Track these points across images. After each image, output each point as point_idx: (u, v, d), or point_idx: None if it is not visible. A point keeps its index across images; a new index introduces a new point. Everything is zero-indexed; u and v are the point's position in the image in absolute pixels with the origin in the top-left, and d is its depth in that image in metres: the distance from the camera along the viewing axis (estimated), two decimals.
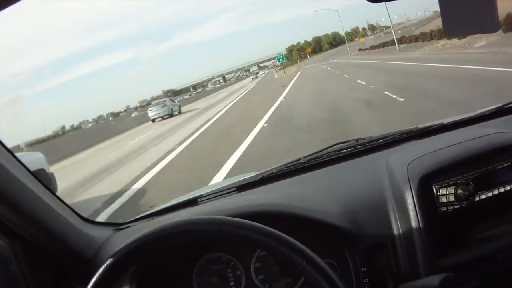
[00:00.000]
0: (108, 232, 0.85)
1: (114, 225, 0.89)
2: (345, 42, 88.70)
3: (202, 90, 53.40)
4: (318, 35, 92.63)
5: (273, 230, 0.47)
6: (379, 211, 0.72)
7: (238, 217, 0.51)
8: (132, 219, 0.92)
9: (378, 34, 58.29)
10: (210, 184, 1.44)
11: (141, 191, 3.94)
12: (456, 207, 0.69)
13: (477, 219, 0.72)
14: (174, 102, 18.68)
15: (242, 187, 0.93)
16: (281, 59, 35.35)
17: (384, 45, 27.18)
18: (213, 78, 70.47)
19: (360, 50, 38.75)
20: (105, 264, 0.50)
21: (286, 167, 0.95)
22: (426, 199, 0.69)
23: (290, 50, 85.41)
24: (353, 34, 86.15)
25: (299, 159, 0.96)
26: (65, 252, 0.71)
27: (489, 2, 0.44)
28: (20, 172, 0.63)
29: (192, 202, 0.92)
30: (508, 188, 0.70)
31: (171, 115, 16.11)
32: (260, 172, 0.97)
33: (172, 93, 49.12)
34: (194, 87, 58.55)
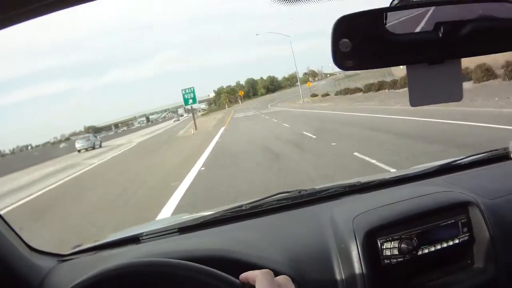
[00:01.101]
0: (52, 263, 0.93)
1: (58, 255, 0.99)
2: (282, 87, 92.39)
3: (126, 128, 57.99)
4: (252, 77, 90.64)
5: (218, 272, 0.51)
6: (323, 261, 0.81)
7: (184, 259, 0.57)
8: (75, 250, 1.02)
9: (322, 81, 61.53)
10: (152, 221, 1.63)
11: None
12: (399, 260, 0.81)
13: (419, 271, 0.84)
14: (97, 137, 26.23)
15: (183, 229, 1.02)
16: (190, 101, 20.47)
17: (347, 92, 26.13)
18: (135, 118, 71.63)
19: (314, 95, 34.14)
20: None
21: (228, 212, 1.05)
22: (370, 252, 0.80)
23: (219, 92, 79.60)
24: (291, 80, 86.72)
25: (241, 206, 1.06)
26: (10, 281, 0.77)
27: (454, 74, 0.52)
28: None
29: (135, 239, 1.03)
30: (450, 243, 0.83)
31: (93, 148, 23.19)
32: (202, 214, 1.08)
33: (93, 130, 50.70)
34: (117, 125, 61.46)
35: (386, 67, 0.55)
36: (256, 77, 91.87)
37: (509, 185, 0.98)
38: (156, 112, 79.63)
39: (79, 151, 22.71)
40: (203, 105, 77.32)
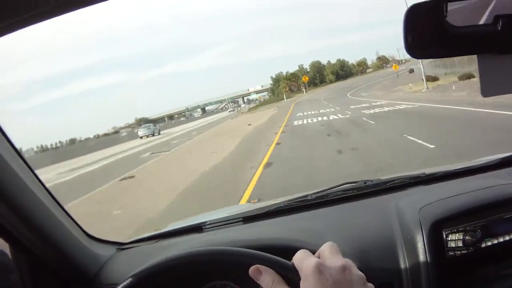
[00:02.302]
0: (111, 251, 1.03)
1: (117, 244, 1.07)
2: (353, 74, 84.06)
3: (184, 118, 63.83)
4: (319, 60, 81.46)
5: (263, 253, 0.54)
6: (388, 252, 0.88)
7: (248, 248, 0.60)
8: (135, 239, 1.11)
9: (401, 65, 57.43)
10: (216, 210, 1.53)
11: None
12: (463, 252, 0.87)
13: (482, 264, 0.90)
14: (156, 126, 34.86)
15: (248, 218, 1.11)
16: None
17: (464, 76, 17.98)
18: (187, 109, 75.24)
19: (433, 79, 22.25)
20: (120, 286, 0.57)
21: (293, 202, 1.14)
22: (435, 243, 0.86)
23: (277, 80, 72.50)
24: (363, 65, 79.05)
25: (306, 196, 1.15)
26: (68, 267, 0.87)
27: None
28: (33, 183, 0.78)
29: (197, 228, 1.11)
30: None
31: (153, 135, 30.45)
32: (266, 204, 1.19)
33: (145, 121, 54.57)
34: (171, 116, 66.17)
35: (455, 56, 0.59)
36: (323, 61, 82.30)
37: None
38: (211, 103, 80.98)
39: (141, 137, 29.65)
40: (263, 94, 74.34)
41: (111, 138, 41.09)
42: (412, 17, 0.54)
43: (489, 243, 0.89)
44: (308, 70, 77.06)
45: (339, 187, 1.19)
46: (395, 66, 38.67)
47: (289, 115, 20.45)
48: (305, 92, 62.28)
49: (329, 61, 79.65)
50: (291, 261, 0.50)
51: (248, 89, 79.99)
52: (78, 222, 0.95)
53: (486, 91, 0.57)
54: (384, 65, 78.04)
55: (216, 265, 0.62)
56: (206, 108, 78.37)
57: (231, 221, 1.12)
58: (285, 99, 55.93)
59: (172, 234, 1.12)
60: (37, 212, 0.79)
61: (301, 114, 19.47)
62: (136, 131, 35.50)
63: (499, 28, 0.52)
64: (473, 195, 0.97)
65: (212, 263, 0.60)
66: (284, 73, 72.98)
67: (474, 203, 0.93)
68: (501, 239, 0.90)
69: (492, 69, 0.56)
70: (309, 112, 19.35)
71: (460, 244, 0.88)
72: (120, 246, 1.07)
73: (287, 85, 68.39)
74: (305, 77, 64.54)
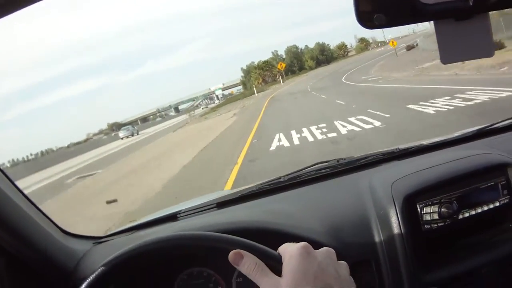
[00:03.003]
0: (88, 245, 1.07)
1: (93, 238, 1.13)
2: (334, 58, 79.65)
3: (160, 119, 67.79)
4: (295, 45, 73.32)
5: (249, 241, 0.57)
6: (363, 229, 0.93)
7: (219, 232, 0.64)
8: (111, 232, 1.17)
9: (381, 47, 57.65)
10: (190, 199, 1.61)
11: None
12: (439, 224, 0.91)
13: (460, 236, 0.95)
14: (134, 128, 40.58)
15: (221, 204, 1.17)
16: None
17: None
18: (158, 111, 76.71)
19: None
20: (92, 276, 0.61)
21: (266, 185, 1.20)
22: (410, 217, 0.90)
23: (248, 71, 63.49)
24: (344, 49, 72.62)
25: (279, 178, 1.21)
26: (46, 265, 0.91)
27: (484, 29, 0.58)
28: (3, 183, 0.82)
29: (172, 217, 1.18)
30: (490, 206, 0.93)
31: (132, 135, 35.99)
32: (239, 189, 1.25)
33: (117, 126, 58.90)
34: (144, 119, 68.63)
35: (412, 23, 0.60)
36: (301, 45, 77.97)
37: None
38: (183, 102, 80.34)
39: (122, 138, 35.38)
40: (236, 89, 67.39)
41: (92, 142, 46.91)
42: None
43: (466, 214, 0.93)
44: (284, 57, 69.14)
45: (311, 167, 1.24)
46: (392, 42, 32.32)
47: (254, 134, 10.39)
48: (283, 82, 53.18)
49: (307, 46, 72.10)
50: (276, 250, 0.52)
51: (210, 88, 74.12)
52: (53, 219, 1.00)
53: (445, 58, 0.59)
54: (367, 47, 73.93)
55: (191, 250, 0.64)
56: (180, 107, 78.27)
57: (205, 208, 1.19)
58: (255, 94, 43.73)
59: (148, 225, 1.19)
60: (10, 211, 0.83)
61: (282, 132, 8.96)
62: (113, 134, 43.92)
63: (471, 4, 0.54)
64: (447, 166, 1.00)
65: (185, 248, 0.63)
66: (256, 63, 64.47)
67: (448, 174, 0.96)
68: (479, 210, 0.93)
69: (450, 36, 0.58)
70: (302, 124, 9.33)
71: (436, 216, 0.92)
72: (96, 240, 1.13)
73: (259, 75, 59.87)
74: (281, 64, 53.52)
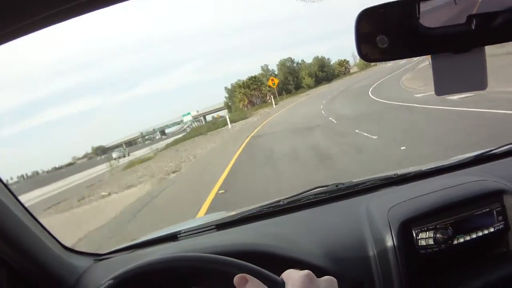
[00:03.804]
0: (89, 262, 1.16)
1: (94, 255, 1.21)
2: (336, 75, 72.79)
3: (151, 141, 70.91)
4: (291, 57, 64.72)
5: (255, 266, 0.61)
6: (359, 253, 1.03)
7: (219, 254, 0.70)
8: (112, 250, 1.26)
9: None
10: (191, 219, 2.02)
11: None
12: (434, 249, 1.02)
13: (455, 260, 1.04)
14: (126, 149, 47.96)
15: (221, 226, 1.27)
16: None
17: None
18: (141, 135, 79.33)
19: None
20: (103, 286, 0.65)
21: (265, 208, 1.30)
22: (405, 242, 1.01)
23: (233, 90, 53.27)
24: (345, 66, 68.60)
25: (279, 201, 1.31)
26: (47, 280, 0.98)
27: (480, 62, 0.64)
28: (6, 198, 0.88)
29: (172, 237, 1.27)
30: (485, 232, 1.04)
31: (124, 156, 39.60)
32: (239, 211, 1.33)
33: (101, 150, 61.72)
34: (129, 143, 71.19)
35: (411, 57, 0.68)
36: (296, 58, 69.06)
37: None
38: (168, 126, 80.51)
39: (115, 159, 38.20)
40: (222, 113, 59.94)
41: (87, 163, 50.00)
42: (370, 19, 0.61)
43: (461, 240, 1.03)
44: (277, 72, 60.67)
45: (311, 191, 1.34)
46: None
47: None
48: (275, 104, 41.82)
49: (303, 61, 65.09)
50: (280, 276, 0.56)
51: (197, 111, 68.27)
52: (55, 235, 1.07)
53: (440, 90, 0.65)
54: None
55: (196, 272, 0.69)
56: (166, 130, 78.74)
57: (205, 229, 1.28)
58: (229, 126, 27.52)
59: (148, 244, 1.28)
60: (13, 226, 0.90)
61: None
62: (103, 157, 48.88)
63: (473, 27, 0.59)
64: (443, 193, 1.10)
65: (193, 269, 0.68)
66: (244, 80, 53.45)
67: (443, 201, 1.06)
68: (474, 235, 1.03)
69: (445, 69, 0.64)
70: None
71: (431, 242, 1.02)
72: (97, 257, 1.21)
73: (245, 96, 49.35)
74: (272, 79, 42.42)
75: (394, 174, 1.35)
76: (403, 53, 0.63)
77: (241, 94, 49.63)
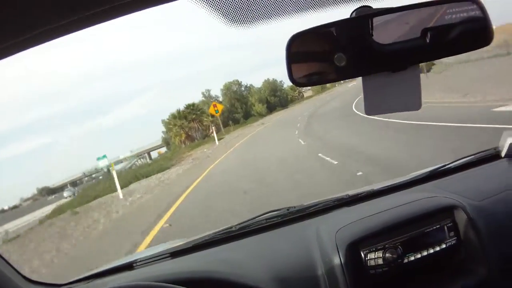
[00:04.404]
0: None
1: (54, 285, 1.31)
2: (291, 101, 67.38)
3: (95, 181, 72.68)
4: (237, 79, 56.15)
5: None
6: (308, 276, 1.09)
7: (172, 283, 0.78)
8: (71, 280, 1.36)
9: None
10: (146, 248, 2.14)
11: None
12: (384, 269, 1.07)
13: (408, 278, 1.10)
14: (75, 188, 45.81)
15: (175, 253, 1.36)
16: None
17: None
18: (84, 175, 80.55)
19: None
20: None
21: (218, 234, 1.40)
22: (354, 263, 1.07)
23: (168, 123, 42.77)
24: (297, 89, 65.58)
25: (231, 227, 1.41)
26: None
27: (414, 82, 0.67)
28: None
29: (128, 266, 1.36)
30: (437, 249, 1.10)
31: (74, 195, 36.41)
32: (193, 238, 1.43)
33: (46, 191, 62.87)
34: (73, 183, 69.81)
35: (344, 79, 0.69)
36: (243, 81, 59.53)
37: (498, 185, 1.24)
38: (117, 162, 74.68)
39: (66, 198, 37.59)
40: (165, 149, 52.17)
41: (37, 202, 49.01)
42: (300, 44, 0.64)
43: (412, 258, 1.09)
44: (221, 98, 52.60)
45: (262, 216, 1.42)
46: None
47: None
48: (217, 139, 30.63)
49: (251, 85, 58.44)
50: None
51: (119, 156, 61.58)
52: (15, 267, 1.14)
53: (370, 109, 0.69)
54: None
55: None
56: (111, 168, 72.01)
57: (160, 257, 1.36)
58: (119, 193, 14.93)
59: (105, 273, 1.36)
60: None
61: None
62: (53, 196, 50.48)
63: (428, 39, 0.64)
64: (392, 212, 1.16)
65: None
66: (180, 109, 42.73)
67: (391, 220, 1.12)
68: (425, 253, 1.09)
69: (376, 89, 0.67)
70: None
71: (380, 262, 1.07)
72: (56, 287, 1.31)
73: (181, 128, 39.55)
74: (215, 105, 31.84)
75: (346, 195, 1.43)
76: (331, 75, 0.65)
77: (177, 127, 40.22)
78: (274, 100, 56.66)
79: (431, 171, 1.46)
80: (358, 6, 0.67)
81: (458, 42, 0.68)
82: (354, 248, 1.08)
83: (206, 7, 0.58)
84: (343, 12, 0.67)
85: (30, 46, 0.67)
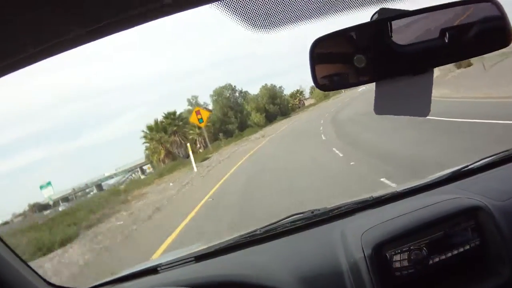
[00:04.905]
0: None
1: None
2: (292, 109, 58.78)
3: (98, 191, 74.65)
4: (231, 83, 56.85)
5: None
6: (334, 278, 1.26)
7: (197, 287, 0.91)
8: (94, 284, 1.56)
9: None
10: (170, 252, 2.29)
11: None
12: (410, 271, 1.24)
13: (433, 279, 1.26)
14: (68, 203, 42.72)
15: (200, 257, 1.56)
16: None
17: None
18: (74, 191, 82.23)
19: None
20: None
21: (243, 238, 1.61)
22: (380, 265, 1.23)
23: (145, 137, 37.30)
24: (298, 98, 62.63)
25: (255, 230, 1.62)
26: None
27: (426, 87, 0.79)
28: None
29: (153, 270, 1.56)
30: (461, 250, 1.27)
31: None
32: (217, 242, 1.63)
33: (37, 207, 61.38)
34: (65, 198, 70.00)
35: (366, 83, 0.80)
36: (239, 86, 59.04)
37: None
38: (101, 180, 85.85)
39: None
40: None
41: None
42: (322, 49, 0.76)
43: (437, 259, 1.26)
44: (211, 106, 52.07)
45: (287, 219, 1.64)
46: None
47: None
48: (199, 162, 25.22)
49: (247, 92, 58.20)
50: None
51: (104, 174, 66.58)
52: (37, 271, 1.28)
53: (379, 109, 0.81)
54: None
55: None
56: (103, 183, 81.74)
57: (184, 261, 1.57)
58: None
59: (129, 278, 1.56)
60: None
61: None
62: (48, 211, 46.00)
63: (447, 41, 0.76)
64: (416, 214, 1.34)
65: None
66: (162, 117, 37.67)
67: (415, 222, 1.29)
68: (449, 254, 1.26)
69: (389, 90, 0.79)
70: None
71: (406, 263, 1.24)
72: None
73: (161, 143, 34.96)
74: (198, 112, 28.31)
75: (370, 197, 1.64)
76: (353, 79, 0.77)
77: (154, 142, 36.25)
78: (274, 108, 56.85)
79: (453, 172, 1.66)
80: (377, 10, 0.79)
81: (478, 44, 0.80)
82: (379, 250, 1.24)
83: (228, 12, 0.67)
84: (359, 16, 0.78)
85: (13, 69, 0.79)
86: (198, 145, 35.40)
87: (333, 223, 1.56)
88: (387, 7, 0.80)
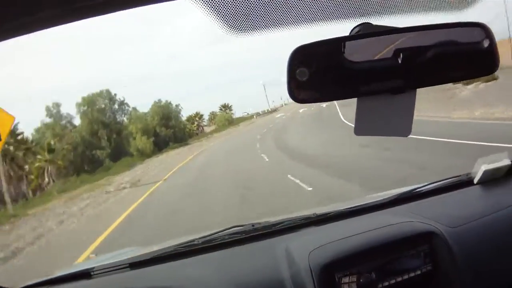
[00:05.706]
0: None
1: None
2: (188, 136, 57.70)
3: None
4: (107, 90, 51.83)
5: None
6: None
7: None
8: (26, 284, 1.96)
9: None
10: (103, 254, 2.73)
11: None
12: None
13: None
14: None
15: (135, 264, 1.94)
16: None
17: None
18: None
19: None
20: None
21: (180, 247, 1.99)
22: (328, 287, 1.50)
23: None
24: (197, 122, 66.47)
25: (193, 240, 2.01)
26: None
27: (408, 107, 0.97)
28: None
29: (86, 274, 1.95)
30: (412, 275, 1.58)
31: None
32: (153, 249, 2.04)
33: None
34: None
35: (344, 98, 0.96)
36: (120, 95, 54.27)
37: (472, 212, 1.86)
38: None
39: None
40: None
41: None
42: (304, 56, 0.91)
43: (386, 284, 1.53)
44: (77, 120, 48.41)
45: (226, 231, 2.03)
46: None
47: None
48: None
49: (134, 108, 55.66)
50: None
51: None
52: None
53: (360, 130, 0.98)
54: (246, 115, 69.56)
55: None
56: None
57: (119, 267, 1.93)
58: None
59: (61, 280, 1.95)
60: None
61: None
62: None
63: (400, 61, 0.91)
64: (367, 235, 1.65)
65: None
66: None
67: (367, 244, 1.58)
68: (399, 279, 1.54)
69: (370, 109, 0.96)
70: None
71: (354, 287, 1.50)
72: None
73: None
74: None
75: (313, 214, 2.03)
76: (331, 92, 0.96)
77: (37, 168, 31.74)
78: (166, 132, 55.90)
79: (402, 194, 2.11)
80: (359, 24, 0.97)
81: (463, 68, 1.00)
82: (329, 271, 1.50)
83: (205, 9, 0.78)
84: (341, 28, 0.95)
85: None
86: (47, 179, 32.16)
87: (275, 238, 1.90)
88: (370, 22, 0.98)
